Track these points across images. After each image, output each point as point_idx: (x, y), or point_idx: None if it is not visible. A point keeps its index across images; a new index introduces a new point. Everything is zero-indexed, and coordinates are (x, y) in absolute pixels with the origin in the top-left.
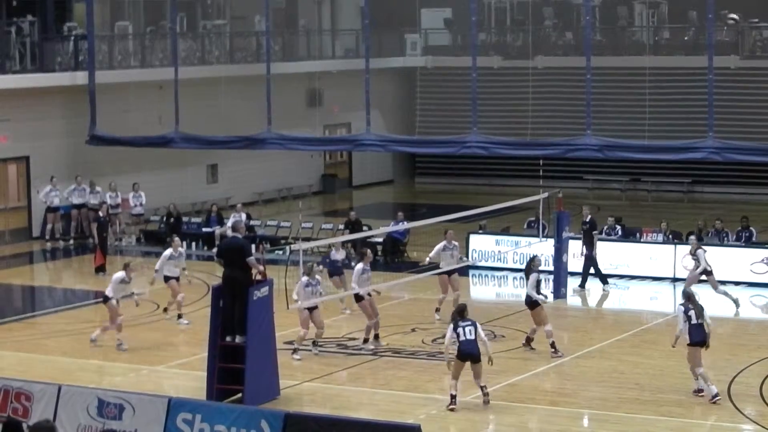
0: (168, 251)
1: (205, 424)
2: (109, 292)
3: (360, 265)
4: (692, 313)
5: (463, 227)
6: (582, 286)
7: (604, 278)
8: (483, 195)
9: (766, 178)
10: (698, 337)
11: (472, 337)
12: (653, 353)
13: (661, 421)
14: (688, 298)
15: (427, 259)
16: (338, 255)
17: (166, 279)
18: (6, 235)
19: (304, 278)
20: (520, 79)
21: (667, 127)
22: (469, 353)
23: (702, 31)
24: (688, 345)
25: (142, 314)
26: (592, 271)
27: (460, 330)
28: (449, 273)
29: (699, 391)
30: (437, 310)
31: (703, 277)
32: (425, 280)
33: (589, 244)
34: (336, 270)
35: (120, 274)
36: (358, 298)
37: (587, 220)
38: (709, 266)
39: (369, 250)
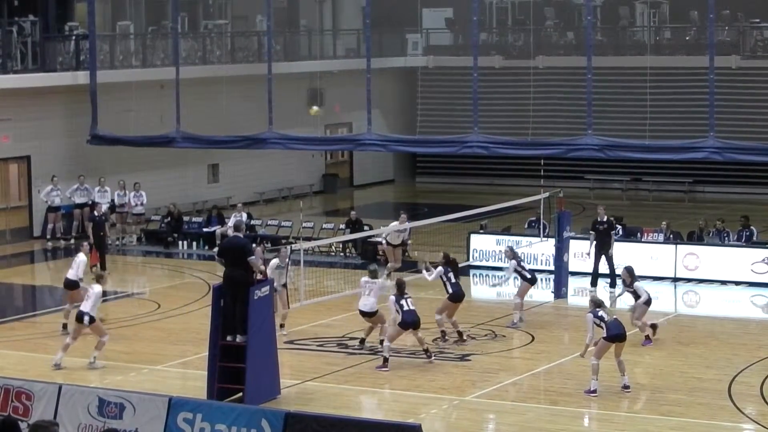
0: None
1: (205, 423)
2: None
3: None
4: (602, 313)
5: (464, 227)
6: (612, 285)
7: (614, 281)
8: (484, 195)
9: (767, 177)
10: (617, 330)
11: (413, 307)
12: (654, 353)
13: (661, 420)
14: (597, 305)
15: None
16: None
17: None
18: (7, 234)
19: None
20: (521, 78)
21: (668, 127)
22: (412, 321)
23: (703, 31)
24: (605, 339)
25: (141, 314)
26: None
27: (403, 301)
28: (395, 246)
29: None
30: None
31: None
32: (427, 281)
33: (608, 245)
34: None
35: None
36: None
37: (604, 219)
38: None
39: None
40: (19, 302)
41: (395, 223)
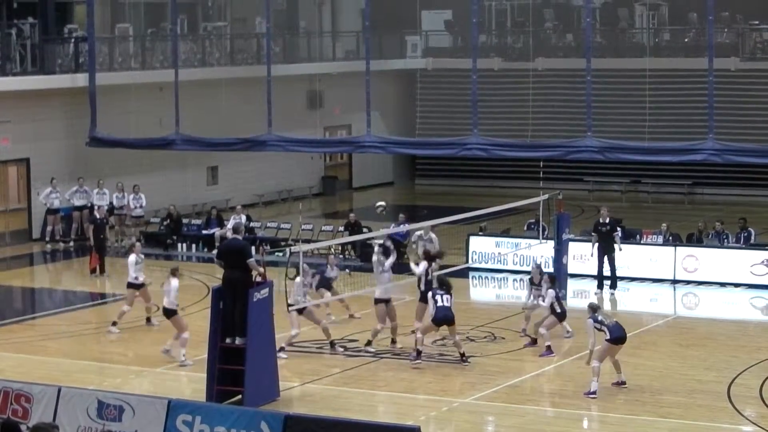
0: None
1: (204, 425)
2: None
3: None
4: (602, 317)
5: (464, 229)
6: (613, 286)
7: (615, 283)
8: (483, 197)
9: (766, 179)
10: (619, 332)
11: (448, 304)
12: (653, 354)
13: (661, 422)
14: (594, 310)
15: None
16: (332, 273)
17: None
18: (6, 236)
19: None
20: (520, 80)
21: (668, 129)
22: (444, 318)
23: (702, 33)
24: (608, 341)
25: (141, 315)
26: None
27: (438, 297)
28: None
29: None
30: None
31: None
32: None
33: (610, 246)
34: (325, 283)
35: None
36: None
37: (606, 221)
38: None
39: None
40: (19, 304)
41: (420, 232)
